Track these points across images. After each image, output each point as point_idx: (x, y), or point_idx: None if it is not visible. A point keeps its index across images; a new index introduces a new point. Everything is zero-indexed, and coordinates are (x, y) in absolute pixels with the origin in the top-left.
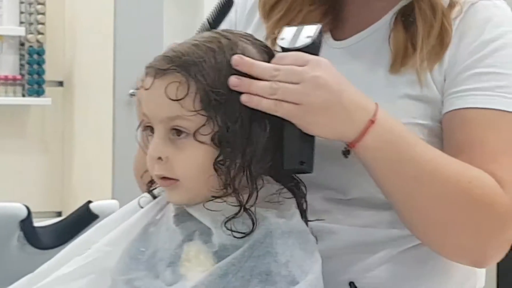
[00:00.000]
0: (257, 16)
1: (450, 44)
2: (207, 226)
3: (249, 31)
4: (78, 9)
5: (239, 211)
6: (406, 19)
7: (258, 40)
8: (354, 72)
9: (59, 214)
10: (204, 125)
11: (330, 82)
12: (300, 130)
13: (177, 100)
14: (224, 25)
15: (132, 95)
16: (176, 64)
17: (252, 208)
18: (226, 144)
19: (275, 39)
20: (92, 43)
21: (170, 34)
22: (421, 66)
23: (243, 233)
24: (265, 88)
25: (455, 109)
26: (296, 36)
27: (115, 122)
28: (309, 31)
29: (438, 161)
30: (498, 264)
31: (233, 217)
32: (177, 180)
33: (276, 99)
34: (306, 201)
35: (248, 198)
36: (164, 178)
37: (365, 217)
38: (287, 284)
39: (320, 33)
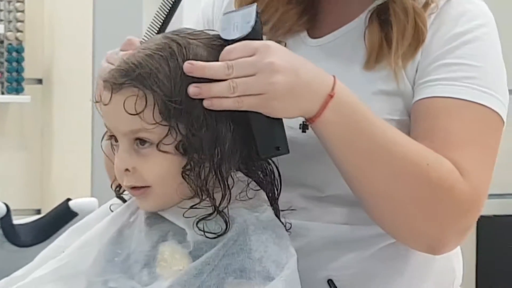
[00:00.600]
0: None
1: (424, 41)
2: (180, 227)
3: None
4: (57, 7)
5: (213, 213)
6: (380, 18)
7: (211, 35)
8: (330, 69)
9: (38, 211)
10: (166, 135)
11: (284, 64)
12: (266, 116)
13: (136, 114)
14: (200, 23)
15: None
16: (132, 78)
17: (226, 209)
18: (193, 151)
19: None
20: (71, 41)
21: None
22: (396, 64)
23: (216, 233)
24: (224, 89)
25: (422, 98)
26: (235, 23)
27: (94, 120)
28: (247, 16)
29: (397, 140)
30: (477, 262)
31: (205, 218)
32: (148, 186)
33: (238, 96)
34: (277, 190)
35: (221, 200)
36: (134, 187)
37: (342, 214)
38: (262, 280)
39: (257, 15)
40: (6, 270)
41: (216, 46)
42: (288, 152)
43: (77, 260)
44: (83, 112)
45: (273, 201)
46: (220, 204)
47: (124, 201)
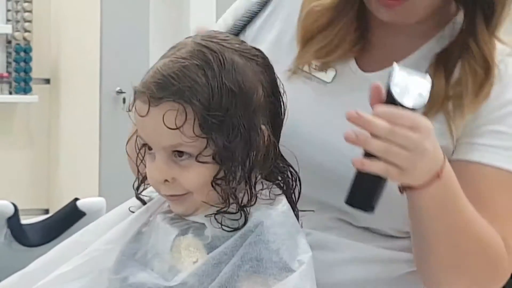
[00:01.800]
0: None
1: None
2: (200, 222)
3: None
4: (64, 7)
5: (236, 212)
6: (447, 66)
7: (242, 43)
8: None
9: (46, 211)
10: (205, 147)
11: (433, 151)
12: (384, 181)
13: (176, 128)
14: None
15: (118, 92)
16: (171, 92)
17: (247, 208)
18: (228, 159)
19: (308, 65)
20: (78, 41)
21: (156, 31)
22: (458, 126)
23: (233, 228)
24: (381, 149)
25: (470, 161)
26: (408, 88)
27: (102, 119)
28: (421, 86)
29: (477, 220)
30: None
31: (226, 212)
32: (188, 192)
33: (385, 162)
34: (295, 195)
35: (247, 203)
36: (173, 195)
37: (373, 240)
38: (278, 270)
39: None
40: (14, 270)
41: (250, 54)
42: (373, 212)
43: (101, 258)
44: (91, 111)
45: (292, 204)
46: (246, 205)
47: (144, 202)
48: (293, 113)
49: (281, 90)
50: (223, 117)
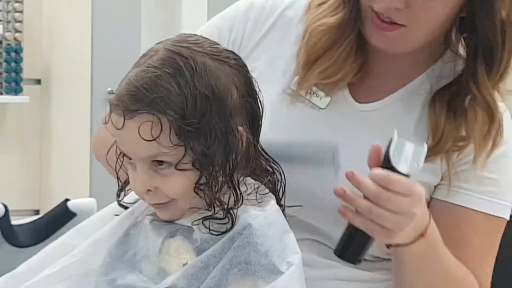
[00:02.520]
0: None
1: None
2: (188, 226)
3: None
4: (55, 7)
5: (224, 218)
6: (455, 114)
7: (214, 44)
8: (379, 141)
9: (36, 212)
10: (184, 155)
11: (421, 216)
12: (370, 238)
13: (153, 139)
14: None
15: (110, 93)
16: (144, 104)
17: (234, 210)
18: (208, 165)
19: (309, 91)
20: (69, 41)
21: (147, 32)
22: (456, 167)
23: (221, 231)
24: (365, 209)
25: (455, 204)
26: (404, 154)
27: (93, 120)
28: (418, 155)
29: (451, 267)
30: None
31: (213, 218)
32: (172, 199)
33: (369, 220)
34: (281, 192)
35: (233, 205)
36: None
37: (348, 270)
38: (267, 273)
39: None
40: (4, 270)
41: (222, 56)
42: (359, 263)
43: (87, 259)
44: (82, 112)
45: (279, 201)
46: (231, 208)
47: (126, 208)
48: (286, 136)
49: (257, 89)
50: (199, 123)
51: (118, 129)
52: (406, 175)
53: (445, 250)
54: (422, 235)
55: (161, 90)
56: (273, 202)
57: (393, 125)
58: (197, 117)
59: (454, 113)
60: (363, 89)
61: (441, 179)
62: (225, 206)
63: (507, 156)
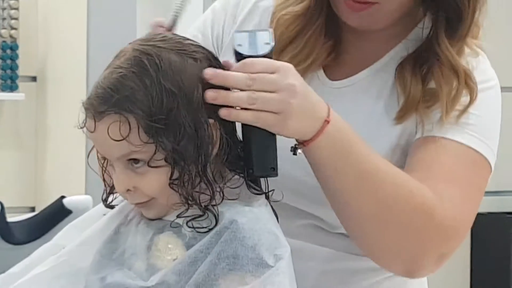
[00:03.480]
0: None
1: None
2: (176, 222)
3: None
4: (51, 4)
5: (203, 214)
6: (416, 71)
7: (183, 40)
8: (351, 115)
9: (32, 209)
10: (155, 152)
11: (301, 87)
12: (265, 135)
13: (122, 139)
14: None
15: None
16: (111, 104)
17: (215, 207)
18: (180, 160)
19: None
20: (65, 38)
21: (143, 29)
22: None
23: (207, 227)
24: (243, 99)
25: (426, 136)
26: (252, 42)
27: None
28: (265, 37)
29: (383, 167)
30: (471, 260)
31: (195, 218)
32: (152, 198)
33: (254, 109)
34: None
35: (210, 201)
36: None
37: (347, 246)
38: (255, 267)
39: (274, 38)
40: (0, 268)
41: (188, 50)
42: (277, 175)
43: (76, 258)
44: (77, 110)
45: (259, 190)
46: (208, 204)
47: (113, 207)
48: None
49: None
50: (166, 119)
51: (91, 132)
52: (263, 56)
53: (369, 150)
54: (327, 122)
55: (126, 90)
56: (261, 199)
57: (367, 99)
58: (164, 113)
59: (422, 73)
60: (337, 67)
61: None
62: (200, 202)
63: (488, 93)
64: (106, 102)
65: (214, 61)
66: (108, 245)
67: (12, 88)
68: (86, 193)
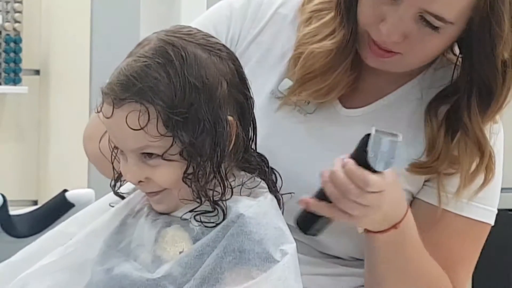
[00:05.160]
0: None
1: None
2: (184, 218)
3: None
4: None
5: (213, 210)
6: (451, 135)
7: (207, 36)
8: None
9: (35, 202)
10: (171, 145)
11: (389, 210)
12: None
13: (140, 129)
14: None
15: None
16: (133, 93)
17: (223, 203)
18: (196, 155)
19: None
20: (69, 32)
21: (147, 23)
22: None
23: (214, 222)
24: (333, 196)
25: (433, 205)
26: (382, 152)
27: (91, 111)
28: (393, 149)
29: (424, 263)
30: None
31: (204, 213)
32: (164, 189)
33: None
34: (276, 180)
35: (220, 197)
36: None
37: (331, 267)
38: (261, 261)
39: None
40: (2, 261)
41: (214, 48)
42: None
43: (83, 249)
44: (80, 103)
45: (274, 191)
46: (219, 200)
47: (123, 198)
48: (272, 140)
49: (248, 83)
50: (187, 113)
51: (107, 118)
52: (381, 172)
53: (421, 245)
54: (395, 227)
55: (150, 80)
56: (267, 193)
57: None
58: (185, 107)
59: (451, 134)
60: (352, 96)
61: (427, 180)
62: (212, 198)
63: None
64: (128, 89)
65: (237, 62)
66: (114, 236)
67: (15, 81)
68: (88, 187)
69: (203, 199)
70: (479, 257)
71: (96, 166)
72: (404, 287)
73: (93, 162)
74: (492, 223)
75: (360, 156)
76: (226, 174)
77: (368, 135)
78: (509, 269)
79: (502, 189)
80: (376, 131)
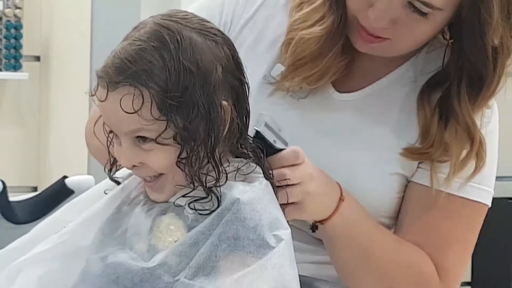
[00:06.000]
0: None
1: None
2: (178, 203)
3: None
4: None
5: (206, 196)
6: (439, 114)
7: (203, 21)
8: (362, 131)
9: (34, 189)
10: (165, 129)
11: (315, 172)
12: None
13: (134, 112)
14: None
15: None
16: (127, 76)
17: (218, 189)
18: (189, 140)
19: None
20: (69, 18)
21: (147, 9)
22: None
23: (209, 209)
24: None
25: (426, 185)
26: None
27: (91, 98)
28: (271, 126)
29: (386, 242)
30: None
31: (198, 200)
32: (160, 174)
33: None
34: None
35: (215, 183)
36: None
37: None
38: (256, 248)
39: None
40: (2, 247)
41: (210, 33)
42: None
43: (78, 236)
44: (81, 89)
45: (269, 177)
46: (213, 186)
47: (118, 183)
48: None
49: (244, 68)
50: (181, 97)
51: (102, 101)
52: (283, 149)
53: (376, 224)
54: (341, 200)
55: (144, 63)
56: (262, 178)
57: (373, 114)
58: (179, 90)
59: (444, 121)
60: (346, 80)
61: (420, 162)
62: (205, 184)
63: (488, 142)
64: (122, 73)
65: (232, 47)
66: (110, 223)
67: (16, 67)
68: (88, 173)
69: (196, 184)
70: (480, 244)
71: (99, 161)
72: (376, 278)
73: (96, 156)
74: (489, 203)
75: (268, 149)
76: (220, 159)
77: (257, 131)
78: (510, 257)
79: (504, 177)
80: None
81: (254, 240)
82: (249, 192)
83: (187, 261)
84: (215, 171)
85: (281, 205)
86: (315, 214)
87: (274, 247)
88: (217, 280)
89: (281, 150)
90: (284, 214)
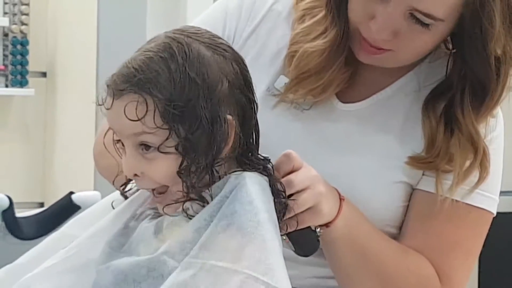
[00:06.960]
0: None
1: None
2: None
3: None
4: (62, 0)
5: (203, 206)
6: (445, 124)
7: (214, 37)
8: (367, 141)
9: (41, 205)
10: (167, 138)
11: (323, 186)
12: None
13: (137, 120)
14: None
15: None
16: (132, 84)
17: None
18: (191, 150)
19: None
20: (75, 34)
21: (153, 24)
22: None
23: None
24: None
25: (431, 192)
26: None
27: (98, 113)
28: None
29: (385, 244)
30: (480, 260)
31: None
32: (163, 186)
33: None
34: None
35: (208, 187)
36: (154, 189)
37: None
38: (253, 215)
39: None
40: (8, 263)
41: (220, 48)
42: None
43: (86, 250)
44: (87, 105)
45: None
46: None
47: (126, 197)
48: (268, 137)
49: (253, 87)
50: (184, 107)
51: (107, 109)
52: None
53: (374, 229)
54: (341, 199)
55: (150, 72)
56: (260, 176)
57: (377, 124)
58: (183, 101)
59: (450, 131)
60: (350, 90)
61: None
62: (201, 195)
63: (494, 149)
64: (128, 81)
65: (242, 64)
66: (118, 238)
67: (22, 83)
68: (94, 189)
69: (192, 196)
70: (487, 259)
71: (108, 180)
72: (377, 282)
73: (105, 176)
74: (493, 211)
75: None
76: (218, 173)
77: None
78: None
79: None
80: None
81: (250, 210)
82: (246, 178)
83: (190, 247)
84: (210, 182)
85: (296, 215)
86: (330, 214)
87: (268, 213)
88: (218, 252)
89: (268, 159)
90: (298, 222)
